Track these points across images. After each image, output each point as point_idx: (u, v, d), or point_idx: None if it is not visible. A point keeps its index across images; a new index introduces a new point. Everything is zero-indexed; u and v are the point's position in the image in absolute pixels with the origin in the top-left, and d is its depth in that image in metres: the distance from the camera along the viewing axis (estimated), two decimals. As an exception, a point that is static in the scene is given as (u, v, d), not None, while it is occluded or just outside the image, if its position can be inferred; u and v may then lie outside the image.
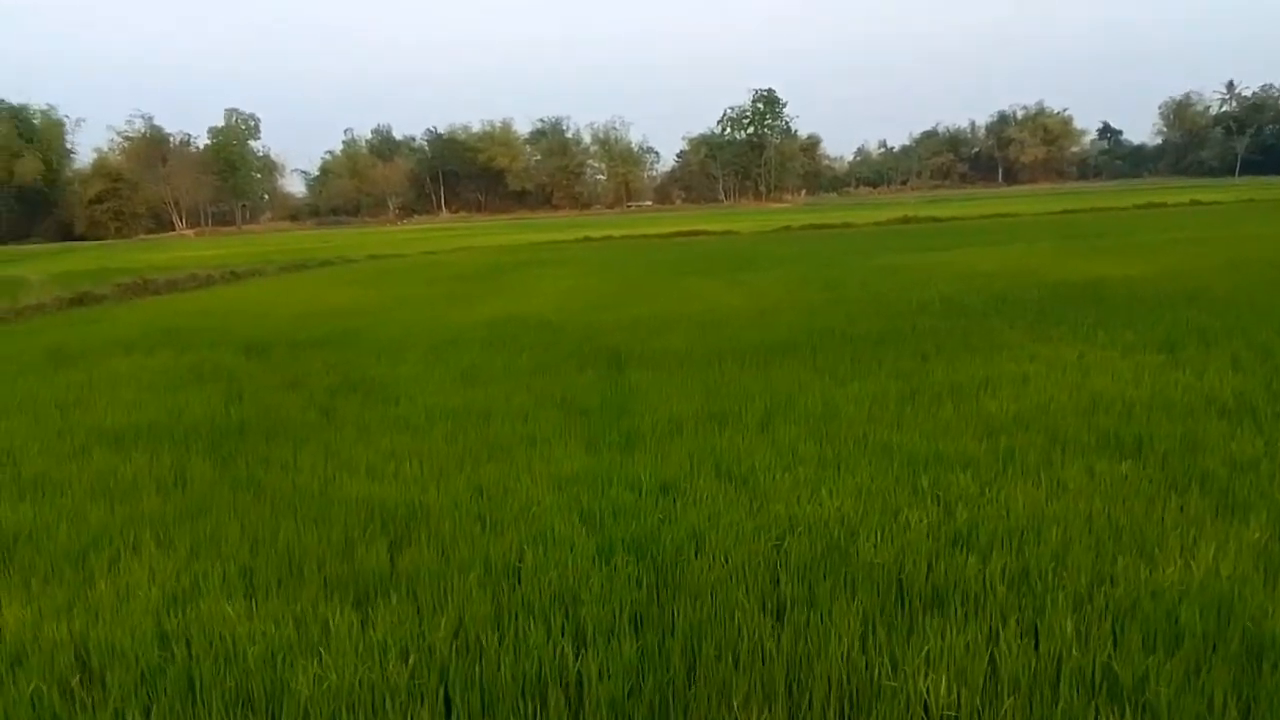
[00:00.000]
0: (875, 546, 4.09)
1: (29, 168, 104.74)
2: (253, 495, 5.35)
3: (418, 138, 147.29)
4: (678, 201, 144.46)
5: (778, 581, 3.84)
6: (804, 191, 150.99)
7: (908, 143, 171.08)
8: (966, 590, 3.68)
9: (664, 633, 3.46)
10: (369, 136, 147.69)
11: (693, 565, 4.00)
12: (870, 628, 3.45)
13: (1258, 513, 4.25)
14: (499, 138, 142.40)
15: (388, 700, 3.09)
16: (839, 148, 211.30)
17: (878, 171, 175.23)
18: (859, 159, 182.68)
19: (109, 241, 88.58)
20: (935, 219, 43.59)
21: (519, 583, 3.94)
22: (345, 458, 6.05)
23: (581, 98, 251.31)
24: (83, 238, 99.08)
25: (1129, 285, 12.71)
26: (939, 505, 4.58)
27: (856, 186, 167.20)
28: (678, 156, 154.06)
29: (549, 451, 5.90)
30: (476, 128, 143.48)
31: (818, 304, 12.74)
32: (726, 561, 4.03)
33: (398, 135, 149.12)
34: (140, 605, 3.85)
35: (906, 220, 43.40)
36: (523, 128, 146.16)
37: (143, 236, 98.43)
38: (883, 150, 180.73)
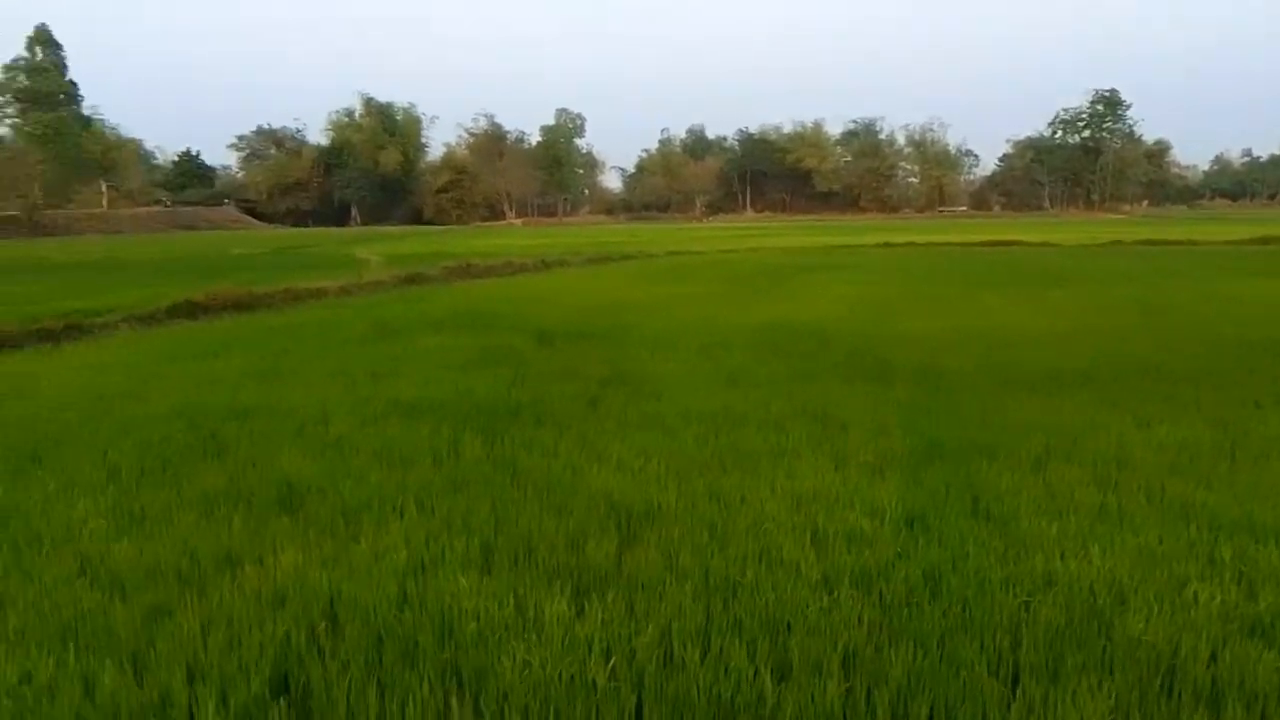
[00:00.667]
0: (1147, 621, 3.53)
1: (391, 159, 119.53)
2: (509, 476, 5.65)
3: (729, 137, 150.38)
4: (995, 208, 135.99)
5: (1018, 644, 3.42)
6: (1145, 202, 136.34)
7: (1278, 151, 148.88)
8: (1254, 691, 3.07)
9: (876, 680, 3.21)
10: (683, 136, 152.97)
11: (924, 609, 3.68)
12: (1123, 717, 2.98)
13: None
14: (809, 138, 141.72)
15: (581, 698, 3.12)
16: (1192, 155, 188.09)
17: (1239, 183, 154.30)
18: (1216, 168, 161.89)
19: (449, 227, 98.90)
20: (1306, 240, 37.53)
21: (734, 599, 3.83)
22: (599, 449, 6.24)
23: (898, 98, 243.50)
24: (430, 222, 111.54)
25: None
26: (1240, 583, 3.88)
27: (1211, 199, 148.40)
28: (999, 160, 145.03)
29: (794, 465, 5.72)
30: (788, 128, 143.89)
31: (1131, 330, 11.37)
32: (963, 611, 3.66)
33: (710, 135, 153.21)
34: (389, 566, 4.19)
35: (1266, 241, 37.69)
36: (834, 128, 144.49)
37: (478, 224, 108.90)
38: (1246, 160, 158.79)
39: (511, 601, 3.80)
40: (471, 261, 23.30)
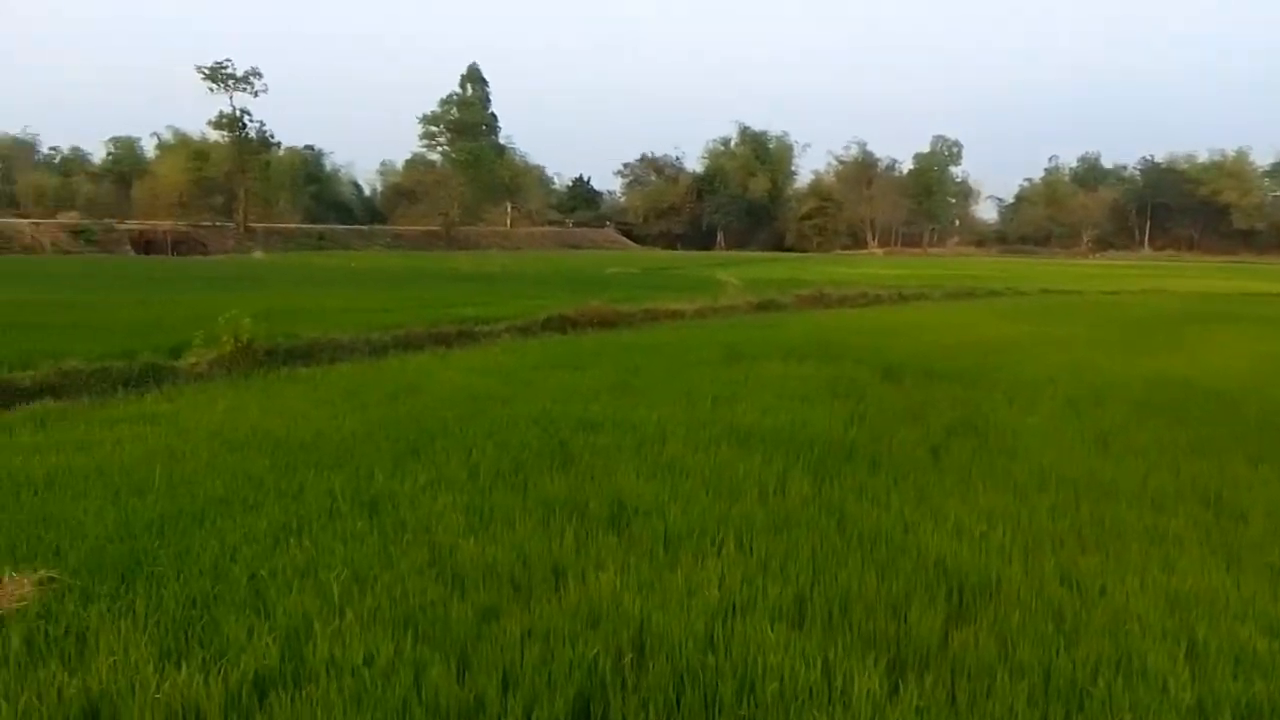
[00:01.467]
0: None
1: (759, 185, 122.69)
2: (835, 522, 5.40)
3: (1129, 166, 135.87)
4: None
5: None
6: None
7: None
8: None
9: None
10: (1073, 164, 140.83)
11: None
12: None
13: None
14: (1229, 168, 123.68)
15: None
16: None
17: None
18: None
19: (808, 254, 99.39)
20: None
21: (1078, 711, 3.30)
22: (935, 505, 5.77)
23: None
24: (790, 248, 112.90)
25: None
26: None
27: None
28: None
29: (1172, 556, 4.86)
30: (1203, 157, 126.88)
31: None
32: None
33: (1106, 163, 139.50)
34: (701, 603, 4.14)
35: None
36: (1263, 159, 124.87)
37: (838, 252, 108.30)
38: None
39: (819, 665, 3.57)
40: (825, 290, 23.12)
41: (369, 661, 3.49)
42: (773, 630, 3.89)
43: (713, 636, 3.83)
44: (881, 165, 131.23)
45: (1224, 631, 3.91)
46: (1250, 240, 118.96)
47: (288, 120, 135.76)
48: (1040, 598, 4.28)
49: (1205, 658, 3.69)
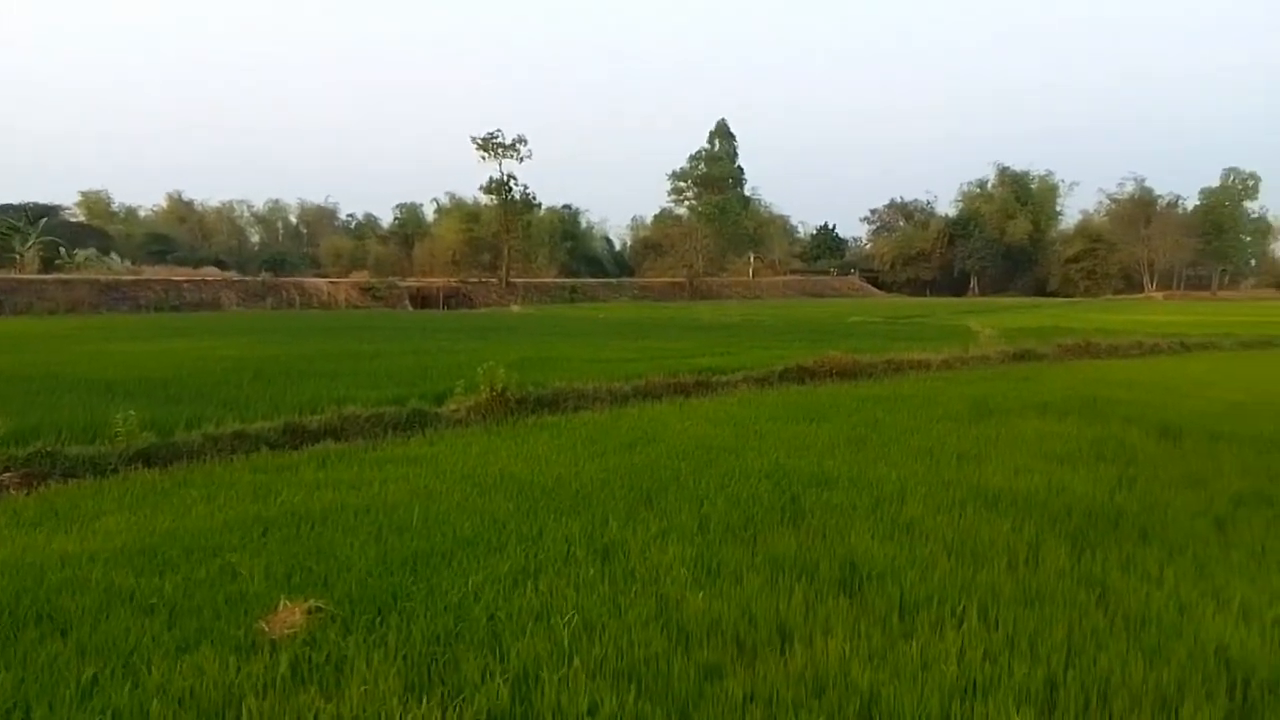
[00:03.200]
0: None
1: (1019, 228, 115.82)
2: (1095, 598, 4.90)
3: None
4: None
5: None
6: None
7: None
8: None
9: None
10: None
11: None
12: None
13: None
14: None
15: None
16: None
17: None
18: None
19: (1075, 299, 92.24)
20: None
21: None
22: (1219, 585, 5.09)
23: None
24: (1053, 294, 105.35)
25: None
26: None
27: None
28: None
29: None
30: None
31: None
32: None
33: None
34: (935, 679, 3.87)
35: None
36: None
37: (1109, 296, 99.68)
38: None
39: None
40: (1092, 340, 21.20)
41: (593, 712, 3.55)
42: (1018, 714, 3.57)
43: (949, 716, 3.57)
44: (1163, 202, 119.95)
45: None
46: None
47: (549, 181, 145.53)
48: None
49: None
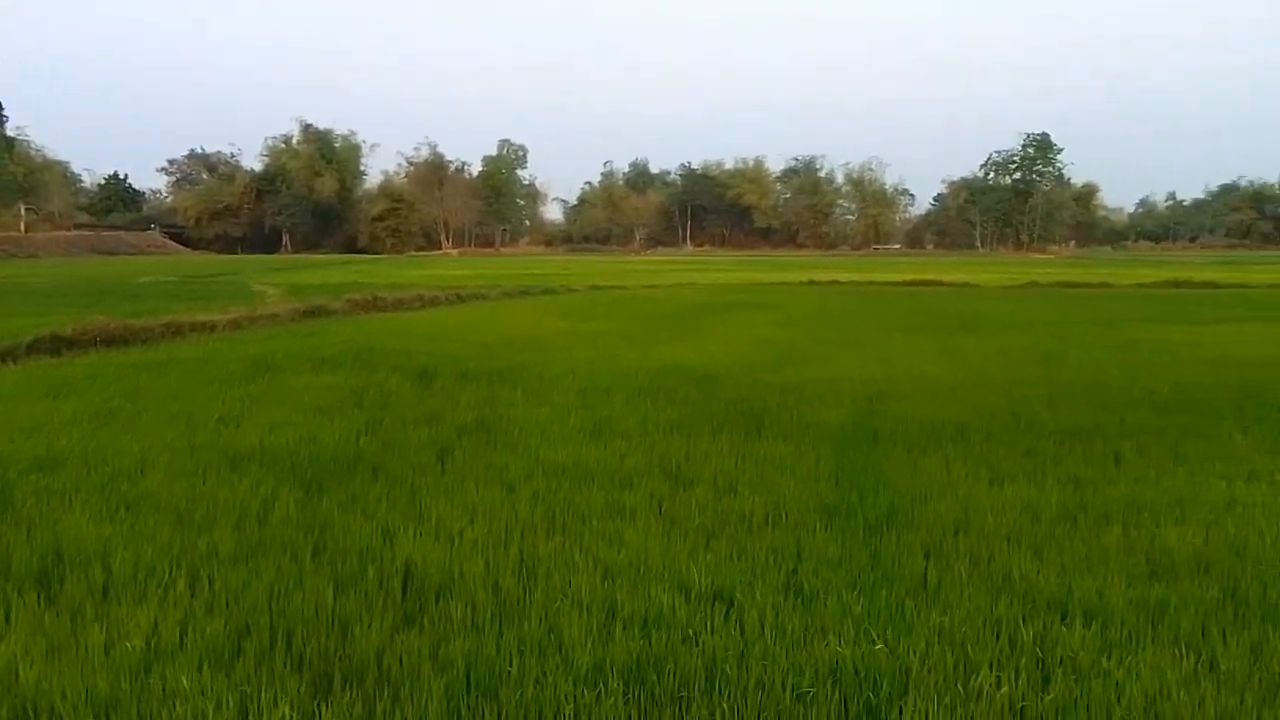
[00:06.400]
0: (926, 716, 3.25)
1: (326, 185, 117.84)
2: (314, 541, 5.19)
3: (672, 172, 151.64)
4: (929, 247, 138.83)
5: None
6: (1073, 243, 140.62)
7: (1202, 196, 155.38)
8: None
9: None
10: (626, 170, 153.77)
11: (698, 703, 3.34)
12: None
13: None
14: (750, 174, 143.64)
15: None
16: (1120, 198, 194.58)
17: (1163, 226, 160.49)
18: (1141, 211, 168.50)
19: (382, 256, 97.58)
20: (1214, 284, 38.69)
21: (492, 699, 3.44)
22: (424, 508, 5.81)
23: (837, 139, 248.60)
24: (363, 250, 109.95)
25: None
26: (1036, 669, 3.62)
27: (1135, 241, 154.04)
28: (934, 200, 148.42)
29: (617, 530, 5.36)
30: (730, 164, 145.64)
31: (1024, 380, 11.29)
32: (743, 701, 3.33)
33: (653, 169, 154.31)
34: (115, 661, 3.69)
35: (1177, 284, 38.77)
36: (776, 165, 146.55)
37: (412, 253, 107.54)
38: (1170, 203, 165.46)
39: (235, 704, 3.37)
40: (379, 294, 22.66)
41: None
42: (200, 674, 3.60)
43: (118, 697, 3.43)
44: (453, 167, 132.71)
45: (640, 595, 4.36)
46: (769, 236, 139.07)
47: None
48: (489, 589, 4.44)
49: (632, 620, 4.07)
